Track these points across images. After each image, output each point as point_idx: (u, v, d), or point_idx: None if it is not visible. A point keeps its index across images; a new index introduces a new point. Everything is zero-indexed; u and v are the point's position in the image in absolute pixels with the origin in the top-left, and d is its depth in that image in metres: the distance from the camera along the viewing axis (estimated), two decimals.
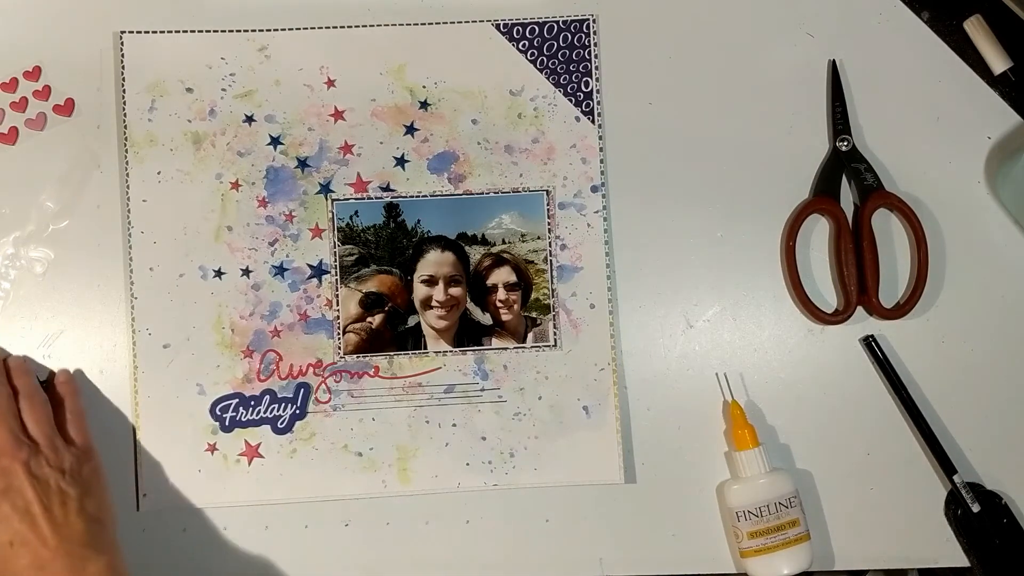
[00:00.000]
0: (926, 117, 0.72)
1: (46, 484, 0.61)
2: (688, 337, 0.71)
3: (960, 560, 0.70)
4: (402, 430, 0.70)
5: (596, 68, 0.71)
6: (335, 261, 0.70)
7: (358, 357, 0.70)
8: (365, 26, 0.71)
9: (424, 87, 0.71)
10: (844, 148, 0.71)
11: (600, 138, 0.71)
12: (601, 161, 0.71)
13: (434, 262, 0.70)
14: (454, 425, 0.70)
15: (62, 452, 0.63)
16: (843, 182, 0.72)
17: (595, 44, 0.71)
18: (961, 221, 0.72)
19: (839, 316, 0.70)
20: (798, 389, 0.71)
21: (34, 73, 0.70)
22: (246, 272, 0.70)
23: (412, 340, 0.70)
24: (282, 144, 0.70)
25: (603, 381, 0.70)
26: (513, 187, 0.71)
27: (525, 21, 0.71)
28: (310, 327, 0.70)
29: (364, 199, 0.70)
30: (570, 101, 0.71)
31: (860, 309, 0.71)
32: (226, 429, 0.69)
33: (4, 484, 0.61)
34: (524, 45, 0.71)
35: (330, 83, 0.71)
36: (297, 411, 0.69)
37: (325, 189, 0.70)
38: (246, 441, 0.69)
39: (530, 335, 0.70)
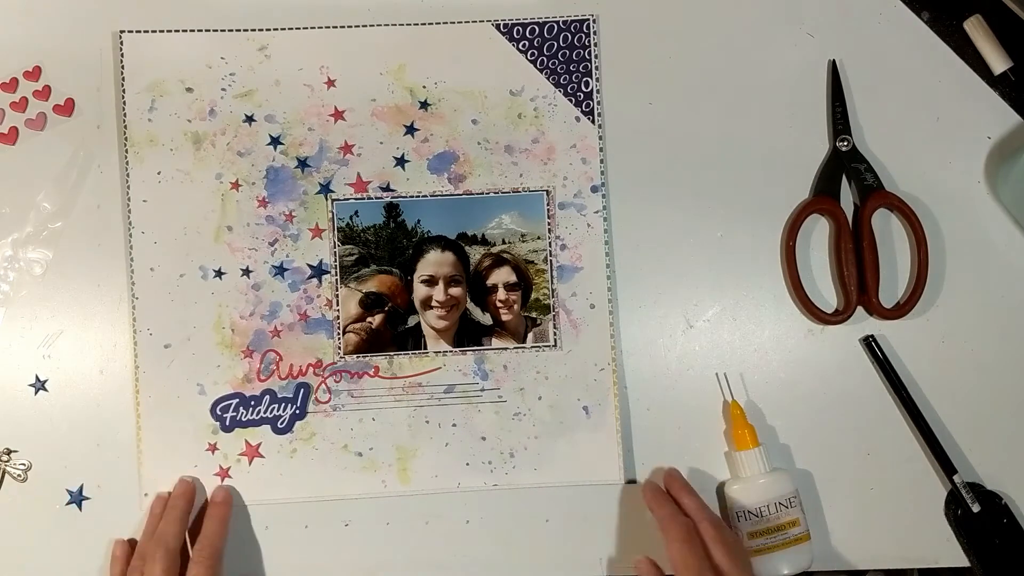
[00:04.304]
0: (926, 117, 0.72)
1: None
2: (688, 337, 0.71)
3: (960, 560, 0.70)
4: (402, 430, 0.70)
5: (596, 68, 0.71)
6: (335, 261, 0.70)
7: (358, 357, 0.70)
8: (365, 26, 0.71)
9: (424, 87, 0.71)
10: (844, 148, 0.71)
11: (600, 138, 0.71)
12: (601, 161, 0.71)
13: (434, 262, 0.70)
14: (454, 425, 0.70)
15: None
16: (843, 182, 0.72)
17: (595, 44, 0.71)
18: (961, 221, 0.72)
19: (839, 316, 0.70)
20: (798, 389, 0.71)
21: (34, 73, 0.70)
22: (246, 272, 0.70)
23: (412, 340, 0.70)
24: (282, 144, 0.70)
25: (603, 381, 0.70)
26: (513, 187, 0.71)
27: (525, 21, 0.71)
28: (310, 327, 0.70)
29: (364, 199, 0.70)
30: (570, 101, 0.71)
31: (860, 309, 0.71)
32: (226, 429, 0.69)
33: None
34: (524, 45, 0.71)
35: (330, 83, 0.71)
36: (297, 411, 0.69)
37: (325, 189, 0.70)
38: (246, 441, 0.69)
39: (530, 335, 0.70)
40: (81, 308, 0.70)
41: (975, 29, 0.72)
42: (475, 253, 0.71)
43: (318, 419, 0.70)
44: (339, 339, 0.70)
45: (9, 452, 0.69)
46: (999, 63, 0.72)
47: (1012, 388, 0.71)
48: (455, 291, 0.70)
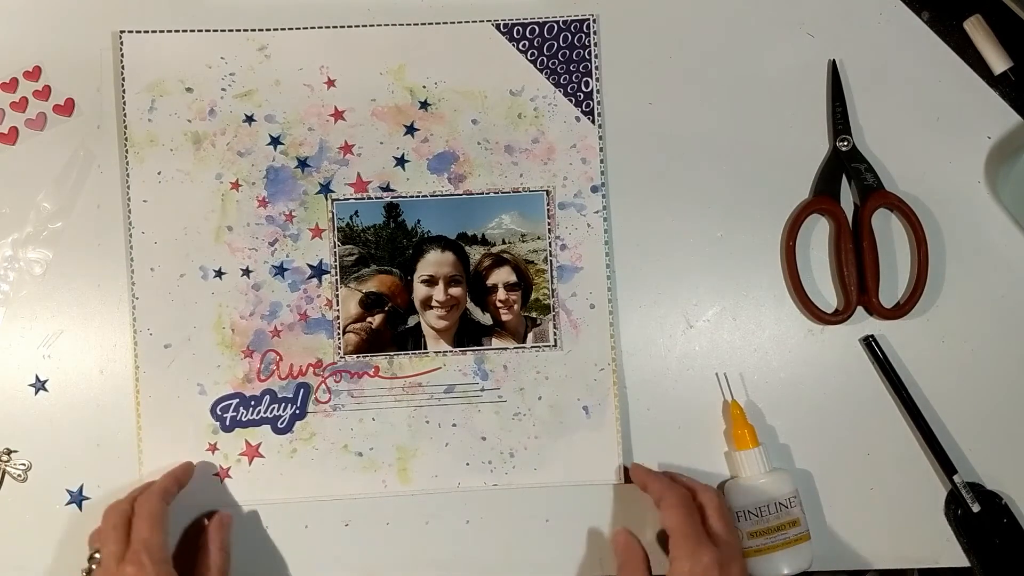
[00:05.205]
0: (926, 117, 0.72)
1: None
2: (688, 337, 0.71)
3: (960, 560, 0.70)
4: (402, 430, 0.70)
5: (596, 68, 0.71)
6: (335, 261, 0.70)
7: (358, 357, 0.70)
8: (365, 26, 0.71)
9: (424, 87, 0.71)
10: (844, 148, 0.71)
11: (600, 138, 0.71)
12: (601, 161, 0.71)
13: (434, 262, 0.70)
14: (454, 425, 0.70)
15: None
16: (843, 182, 0.72)
17: (595, 44, 0.71)
18: (961, 221, 0.72)
19: (839, 316, 0.70)
20: (798, 389, 0.71)
21: (34, 73, 0.70)
22: (246, 272, 0.70)
23: (412, 340, 0.70)
24: (282, 144, 0.70)
25: (603, 381, 0.70)
26: (513, 187, 0.71)
27: (525, 21, 0.71)
28: (310, 327, 0.70)
29: (364, 199, 0.70)
30: (570, 101, 0.71)
31: (860, 309, 0.71)
32: (227, 429, 0.69)
33: None
34: (524, 45, 0.71)
35: (330, 83, 0.71)
36: (297, 411, 0.69)
37: (325, 189, 0.70)
38: (246, 441, 0.69)
39: (530, 335, 0.70)
40: (81, 308, 0.70)
41: (975, 29, 0.72)
42: (475, 253, 0.71)
43: (318, 419, 0.70)
44: (339, 339, 0.70)
45: (9, 452, 0.69)
46: (999, 63, 0.72)
47: (1012, 388, 0.71)
48: (455, 291, 0.70)
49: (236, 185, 0.70)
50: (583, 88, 0.71)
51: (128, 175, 0.70)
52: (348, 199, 0.70)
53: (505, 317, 0.71)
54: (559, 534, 0.70)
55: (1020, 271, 0.72)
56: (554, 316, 0.71)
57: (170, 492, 0.66)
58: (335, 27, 0.71)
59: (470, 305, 0.71)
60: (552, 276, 0.71)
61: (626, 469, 0.70)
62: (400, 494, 0.70)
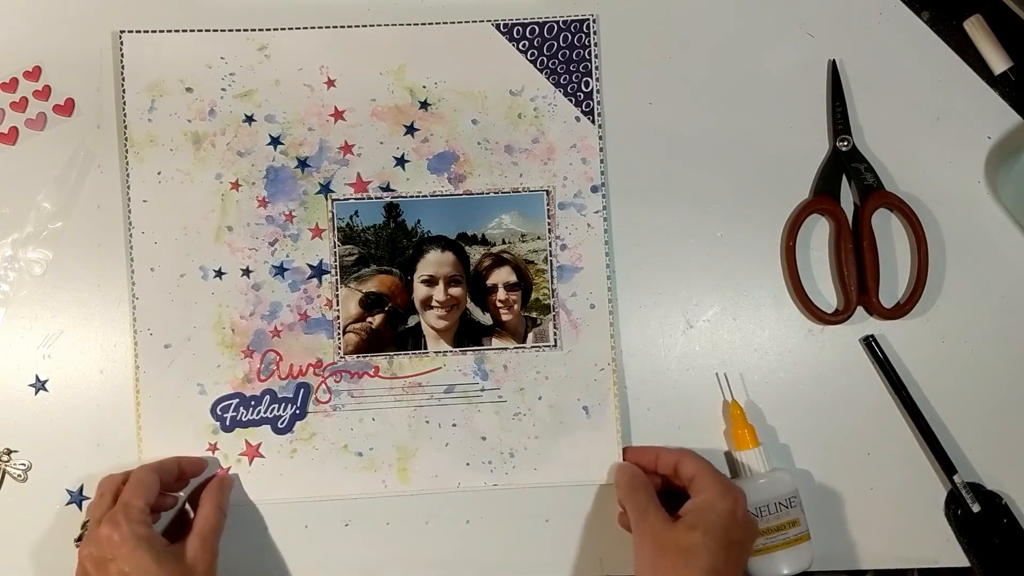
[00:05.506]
0: (926, 117, 0.72)
1: None
2: (688, 337, 0.71)
3: (960, 560, 0.70)
4: (402, 430, 0.70)
5: (596, 68, 0.71)
6: (335, 261, 0.70)
7: (358, 357, 0.70)
8: (365, 26, 0.71)
9: (424, 87, 0.71)
10: (844, 148, 0.71)
11: (600, 138, 0.71)
12: (601, 161, 0.71)
13: (434, 262, 0.70)
14: (454, 425, 0.70)
15: None
16: (843, 182, 0.72)
17: (595, 44, 0.71)
18: (961, 221, 0.72)
19: (839, 316, 0.70)
20: (798, 389, 0.71)
21: (34, 73, 0.70)
22: (246, 272, 0.70)
23: (412, 340, 0.70)
24: (282, 144, 0.70)
25: (603, 381, 0.70)
26: (513, 187, 0.71)
27: (525, 21, 0.71)
28: (310, 327, 0.70)
29: (364, 199, 0.71)
30: (570, 101, 0.71)
31: (860, 309, 0.71)
32: (227, 429, 0.69)
33: None
34: (524, 45, 0.71)
35: (330, 83, 0.71)
36: (297, 411, 0.69)
37: (325, 189, 0.70)
38: (247, 441, 0.69)
39: (530, 335, 0.70)
40: (81, 308, 0.70)
41: (975, 29, 0.72)
42: (475, 253, 0.71)
43: (318, 419, 0.70)
44: (339, 339, 0.70)
45: (9, 452, 0.69)
46: (999, 63, 0.72)
47: (1012, 388, 0.71)
48: (455, 291, 0.70)
49: (236, 185, 0.70)
50: (583, 88, 0.71)
51: (128, 175, 0.70)
52: (348, 199, 0.70)
53: (505, 317, 0.71)
54: (559, 534, 0.70)
55: (1020, 271, 0.72)
56: (554, 316, 0.71)
57: (166, 469, 0.66)
58: (335, 27, 0.71)
59: (470, 305, 0.71)
60: (552, 276, 0.71)
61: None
62: (400, 494, 0.70)
